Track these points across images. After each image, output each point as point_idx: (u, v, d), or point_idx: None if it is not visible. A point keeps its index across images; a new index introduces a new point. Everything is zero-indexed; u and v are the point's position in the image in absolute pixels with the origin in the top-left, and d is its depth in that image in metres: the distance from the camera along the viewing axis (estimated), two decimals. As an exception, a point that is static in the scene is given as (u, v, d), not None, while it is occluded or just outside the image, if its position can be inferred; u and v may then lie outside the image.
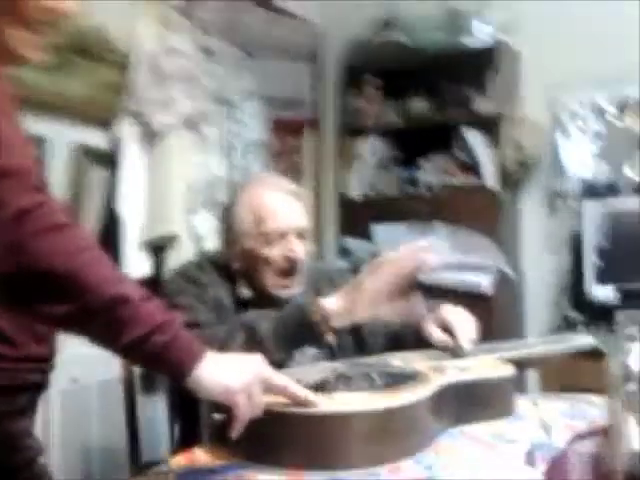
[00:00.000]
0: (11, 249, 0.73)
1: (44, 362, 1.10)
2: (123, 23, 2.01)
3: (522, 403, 1.08)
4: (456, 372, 1.04)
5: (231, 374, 0.81)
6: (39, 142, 1.79)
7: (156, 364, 0.80)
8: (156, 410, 1.91)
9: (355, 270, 2.72)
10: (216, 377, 0.80)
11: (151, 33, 2.05)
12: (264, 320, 1.14)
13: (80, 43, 1.88)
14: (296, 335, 1.13)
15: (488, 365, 1.11)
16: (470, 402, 1.01)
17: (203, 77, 2.07)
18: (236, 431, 0.82)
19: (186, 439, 1.35)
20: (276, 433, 0.86)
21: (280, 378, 0.86)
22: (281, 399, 0.86)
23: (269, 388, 0.85)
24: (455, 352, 1.19)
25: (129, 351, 0.78)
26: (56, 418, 1.82)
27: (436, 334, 1.23)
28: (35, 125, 1.77)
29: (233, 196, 1.37)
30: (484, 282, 2.41)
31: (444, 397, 0.97)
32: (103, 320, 0.76)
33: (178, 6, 2.13)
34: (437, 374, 1.03)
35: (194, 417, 1.21)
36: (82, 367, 1.81)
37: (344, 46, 2.99)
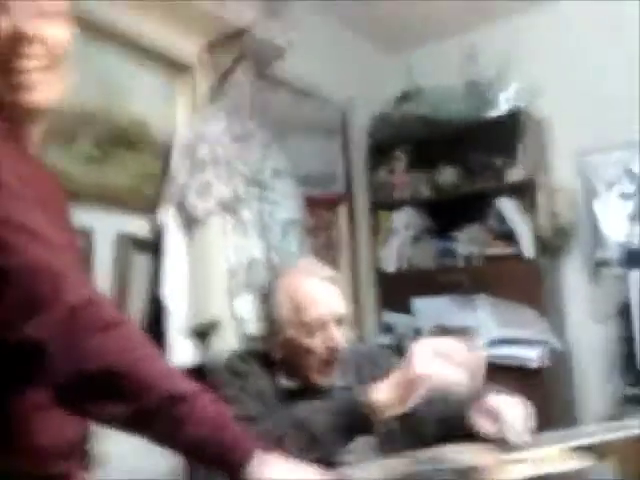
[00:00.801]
0: (66, 350, 0.72)
1: (72, 447, 1.01)
2: (160, 114, 2.10)
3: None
4: (523, 466, 0.99)
5: (285, 476, 0.78)
6: (86, 233, 1.83)
7: (214, 462, 0.77)
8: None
9: (398, 346, 2.70)
10: (268, 477, 0.77)
11: (186, 122, 2.13)
12: (316, 416, 1.11)
13: (121, 136, 1.96)
14: (349, 429, 1.10)
15: (559, 456, 1.05)
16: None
17: (236, 161, 2.12)
18: None
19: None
20: None
21: None
22: None
23: None
24: (504, 444, 1.12)
25: (189, 450, 0.77)
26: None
27: (483, 426, 1.17)
28: (81, 216, 1.81)
29: (271, 286, 1.37)
30: (533, 356, 2.33)
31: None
32: (160, 418, 0.74)
33: (209, 94, 2.21)
34: (502, 468, 0.97)
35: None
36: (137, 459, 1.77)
37: (369, 121, 3.06)
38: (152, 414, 0.74)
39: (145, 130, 2.05)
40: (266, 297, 1.36)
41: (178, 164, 2.01)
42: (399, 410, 1.11)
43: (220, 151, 2.06)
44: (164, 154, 2.07)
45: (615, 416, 1.99)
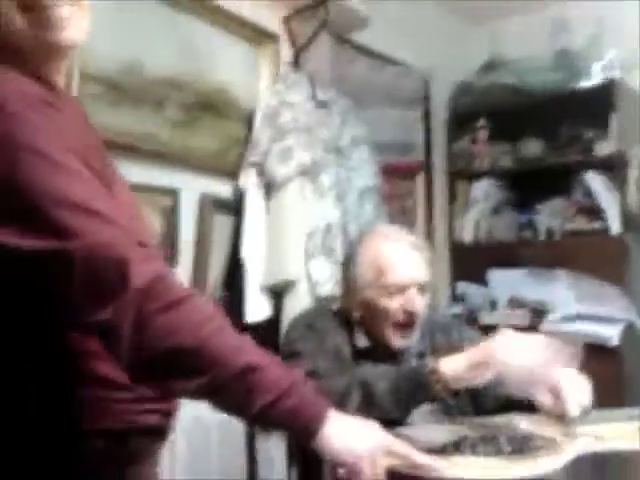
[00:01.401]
0: (136, 330, 0.73)
1: (161, 403, 1.03)
2: (244, 81, 2.16)
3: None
4: (590, 440, 0.99)
5: (358, 439, 0.82)
6: (172, 193, 1.94)
7: (285, 427, 0.81)
8: (275, 449, 1.95)
9: (470, 317, 2.68)
10: (343, 441, 0.81)
11: (270, 89, 2.18)
12: (381, 379, 1.14)
13: (207, 102, 2.04)
14: (412, 397, 1.12)
15: (626, 433, 1.05)
16: (606, 474, 0.96)
17: (317, 128, 2.15)
18: None
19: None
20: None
21: (402, 446, 0.86)
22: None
23: (391, 455, 0.85)
24: (563, 420, 1.11)
25: (260, 417, 0.79)
26: (180, 456, 1.91)
27: (541, 397, 1.16)
28: (168, 178, 1.93)
29: (354, 247, 1.39)
30: (613, 334, 2.26)
31: (578, 467, 0.92)
32: (233, 390, 0.77)
33: (291, 62, 2.25)
34: (569, 440, 0.98)
35: (313, 461, 1.23)
36: (203, 405, 1.90)
37: (452, 89, 3.00)
38: (224, 387, 0.77)
39: (230, 97, 2.11)
40: (348, 258, 1.39)
41: (260, 130, 2.07)
42: (464, 385, 1.12)
43: (302, 118, 2.10)
44: (247, 120, 2.14)
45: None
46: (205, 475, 1.97)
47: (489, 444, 0.95)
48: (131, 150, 1.78)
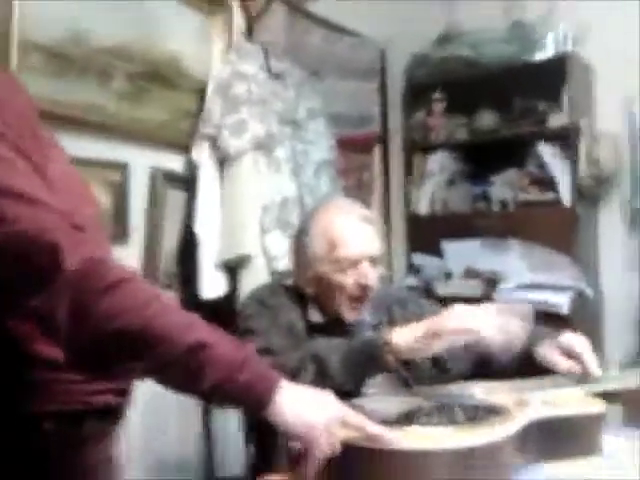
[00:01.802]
0: (74, 317, 0.72)
1: (114, 381, 1.02)
2: (195, 51, 2.09)
3: (614, 441, 1.03)
4: (541, 406, 1.01)
5: (312, 409, 0.81)
6: (121, 167, 1.88)
7: (237, 402, 0.80)
8: (232, 425, 1.94)
9: (426, 288, 2.71)
10: (297, 411, 0.80)
11: (222, 60, 2.12)
12: (334, 352, 1.14)
13: (157, 72, 1.97)
14: (365, 368, 1.13)
15: (576, 399, 1.07)
16: (555, 439, 0.98)
17: (272, 100, 2.11)
18: (311, 468, 0.82)
19: (260, 458, 1.37)
20: (358, 467, 0.86)
21: (355, 416, 0.86)
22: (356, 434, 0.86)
23: (345, 425, 0.84)
24: (583, 379, 1.17)
25: (211, 394, 0.78)
26: (135, 433, 1.88)
27: (562, 362, 1.21)
28: (116, 151, 1.86)
29: (306, 221, 1.38)
30: (563, 302, 2.32)
31: (528, 433, 0.94)
32: (183, 368, 0.76)
33: (245, 32, 2.19)
34: (521, 408, 1.00)
35: (269, 436, 1.23)
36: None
37: (408, 62, 2.99)
38: (172, 366, 0.75)
39: (181, 67, 2.05)
40: (300, 232, 1.38)
41: (213, 102, 2.02)
42: (416, 355, 1.13)
43: (255, 89, 2.05)
44: (199, 92, 2.08)
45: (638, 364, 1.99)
46: (161, 451, 1.96)
47: (443, 414, 0.96)
48: (77, 123, 1.71)
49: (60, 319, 0.71)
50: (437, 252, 2.81)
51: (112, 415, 1.03)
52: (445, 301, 2.33)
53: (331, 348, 1.16)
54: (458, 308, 1.11)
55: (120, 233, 1.86)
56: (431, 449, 0.82)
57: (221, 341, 0.79)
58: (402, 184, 3.01)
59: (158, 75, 1.98)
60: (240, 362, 0.78)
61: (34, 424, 0.85)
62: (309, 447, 0.81)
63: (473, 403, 1.04)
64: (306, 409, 0.81)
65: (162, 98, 1.99)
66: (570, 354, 1.21)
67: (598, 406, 1.04)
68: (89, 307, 0.72)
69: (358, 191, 2.81)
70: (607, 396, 1.18)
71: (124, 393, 1.08)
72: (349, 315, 1.31)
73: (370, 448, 0.83)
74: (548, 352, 1.23)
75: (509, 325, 1.09)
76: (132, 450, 1.88)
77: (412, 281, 2.83)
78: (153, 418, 1.90)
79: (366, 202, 2.85)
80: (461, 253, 2.70)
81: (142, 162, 1.94)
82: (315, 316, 1.33)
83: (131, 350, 0.75)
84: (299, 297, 1.35)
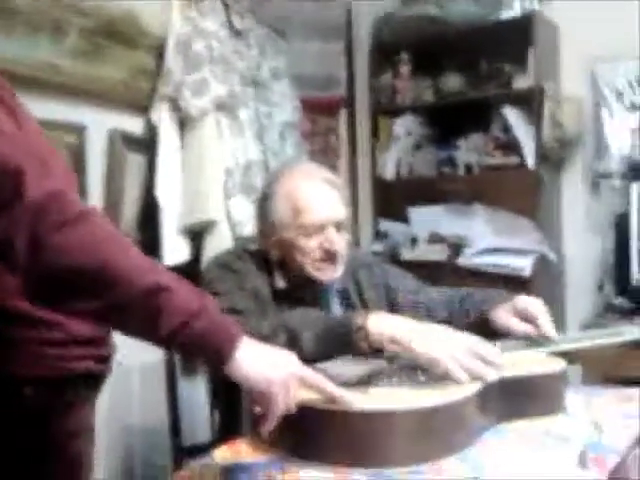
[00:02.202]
0: (31, 248, 0.70)
1: (96, 346, 1.01)
2: (154, 7, 2.01)
3: (572, 399, 1.05)
4: (503, 367, 1.02)
5: (271, 366, 0.80)
6: (77, 129, 1.81)
7: (196, 351, 0.78)
8: (197, 393, 1.94)
9: (392, 254, 2.72)
10: (256, 366, 0.79)
11: (182, 16, 2.03)
12: (308, 328, 1.11)
13: (113, 28, 1.88)
14: (336, 349, 1.10)
15: (536, 360, 1.09)
16: (518, 398, 0.99)
17: (233, 58, 2.04)
18: (269, 425, 0.81)
19: (227, 425, 1.36)
20: (319, 430, 0.85)
21: (315, 377, 0.85)
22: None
23: (304, 385, 0.84)
24: (539, 342, 1.15)
25: (168, 340, 0.76)
26: (100, 403, 1.86)
27: (517, 325, 1.20)
28: (72, 113, 1.79)
29: (269, 186, 1.35)
30: (525, 265, 2.35)
31: (491, 393, 0.95)
32: (139, 311, 0.74)
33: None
34: (486, 370, 1.00)
35: (235, 403, 1.22)
36: (124, 349, 1.85)
37: (374, 22, 2.93)
38: (129, 308, 0.73)
39: (139, 23, 1.96)
40: (263, 197, 1.34)
41: (172, 60, 1.95)
42: (385, 349, 1.11)
43: (217, 47, 1.98)
44: (158, 50, 2.00)
45: (599, 324, 2.04)
46: (126, 420, 1.94)
47: (404, 375, 0.96)
48: (28, 82, 1.62)
49: (18, 248, 0.70)
50: (403, 217, 2.81)
51: (93, 382, 1.03)
52: (411, 265, 2.36)
53: (306, 322, 1.13)
54: (433, 332, 1.04)
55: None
56: (390, 409, 0.82)
57: (180, 287, 0.77)
58: (369, 148, 2.98)
59: (115, 32, 1.89)
60: (199, 309, 0.76)
61: (15, 389, 0.85)
62: (267, 403, 0.80)
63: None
64: (266, 365, 0.80)
65: (120, 56, 1.91)
66: (526, 317, 1.19)
67: (559, 365, 1.05)
68: (46, 239, 0.70)
69: (324, 155, 2.78)
70: (567, 356, 1.20)
71: (105, 360, 1.07)
72: (321, 275, 1.27)
73: (329, 410, 0.82)
74: (503, 316, 1.22)
75: (474, 369, 1.05)
76: (97, 419, 1.86)
77: (379, 247, 2.83)
78: (118, 386, 1.88)
79: (333, 167, 2.82)
80: (426, 218, 2.71)
81: (100, 124, 1.87)
82: (280, 282, 1.31)
83: (87, 288, 0.72)
84: (264, 262, 1.32)
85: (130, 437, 1.96)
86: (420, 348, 0.97)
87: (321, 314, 1.17)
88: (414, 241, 2.74)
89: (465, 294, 1.37)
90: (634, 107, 2.58)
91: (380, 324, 1.04)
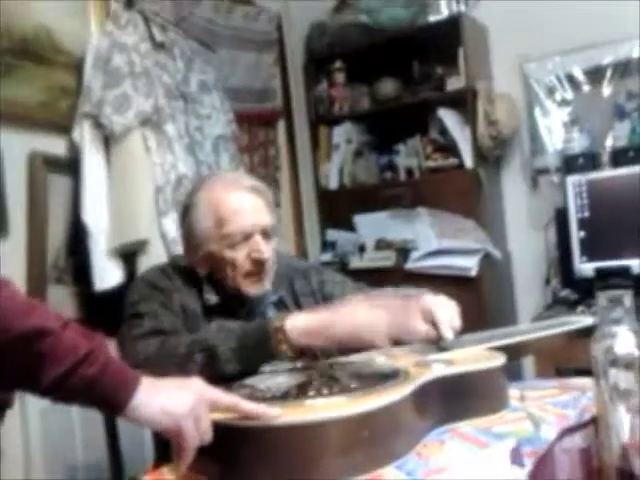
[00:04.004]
0: None
1: None
2: (71, 23, 1.93)
3: (512, 394, 1.02)
4: (441, 366, 0.98)
5: (172, 398, 0.75)
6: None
7: (87, 399, 0.72)
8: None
9: (341, 262, 2.68)
10: (156, 403, 0.73)
11: (100, 31, 1.96)
12: (224, 339, 1.06)
13: (25, 47, 1.80)
14: (257, 356, 1.06)
15: (477, 356, 1.05)
16: (458, 397, 0.94)
17: (157, 71, 1.98)
18: (185, 460, 0.76)
19: (161, 454, 1.29)
20: (241, 449, 0.79)
21: (227, 397, 0.79)
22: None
23: (217, 408, 0.78)
24: (438, 344, 1.12)
25: (55, 390, 0.70)
26: (36, 436, 1.76)
27: (419, 326, 1.15)
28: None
29: (190, 198, 1.30)
30: (471, 265, 2.35)
31: (429, 394, 0.91)
32: (19, 358, 0.68)
33: (124, 1, 2.03)
34: (421, 370, 0.96)
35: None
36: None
37: (306, 31, 2.92)
38: (6, 355, 0.67)
39: (54, 40, 1.88)
40: (185, 209, 1.29)
41: (92, 77, 1.87)
42: (309, 346, 1.07)
43: (137, 60, 1.91)
44: (77, 67, 1.92)
45: (547, 317, 2.04)
46: (67, 454, 1.83)
47: (334, 384, 0.90)
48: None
49: None
50: (349, 225, 2.78)
51: None
52: (360, 273, 2.32)
53: (223, 334, 1.08)
54: (355, 310, 1.05)
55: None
56: (317, 420, 0.77)
57: (66, 330, 0.71)
58: (310, 159, 2.95)
59: (28, 51, 1.81)
60: (87, 353, 0.70)
61: None
62: (178, 439, 0.75)
63: (369, 370, 1.00)
64: (168, 401, 0.74)
65: (36, 75, 1.83)
66: (428, 318, 1.14)
67: (497, 360, 1.02)
68: None
69: (265, 168, 2.73)
70: (519, 350, 1.17)
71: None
72: (249, 289, 1.23)
73: (248, 427, 0.76)
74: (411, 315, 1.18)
75: (404, 328, 1.03)
76: (35, 455, 1.76)
77: (327, 257, 2.80)
78: (55, 422, 1.78)
79: (274, 179, 2.78)
80: (372, 225, 2.70)
81: (18, 146, 1.77)
82: (212, 297, 1.25)
83: None
84: (194, 278, 1.26)
85: (73, 471, 1.85)
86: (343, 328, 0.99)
87: (238, 324, 1.12)
88: (362, 249, 2.72)
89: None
90: (565, 102, 2.63)
91: (296, 322, 1.02)
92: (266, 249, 1.23)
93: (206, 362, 1.03)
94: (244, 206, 1.23)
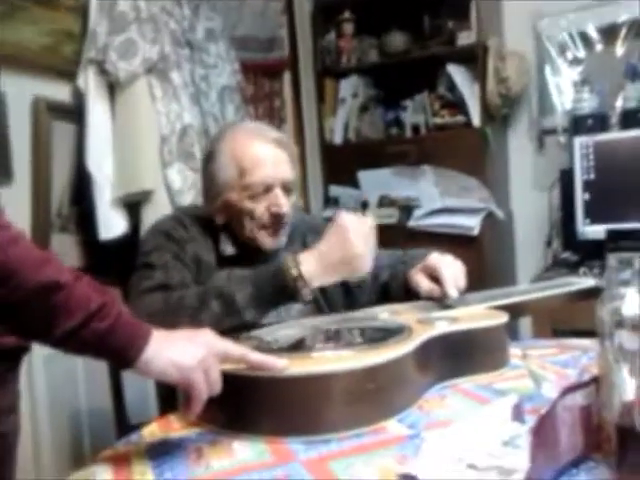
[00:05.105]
0: None
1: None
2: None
3: (513, 352, 1.04)
4: (445, 324, 0.99)
5: (182, 351, 0.75)
6: (-3, 97, 1.68)
7: (98, 352, 0.73)
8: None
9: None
10: (166, 357, 0.74)
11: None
12: (241, 287, 1.07)
13: (30, -13, 1.75)
14: (273, 298, 1.08)
15: (479, 314, 1.06)
16: (461, 354, 0.97)
17: (164, 17, 1.93)
18: (195, 411, 0.77)
19: (167, 401, 1.31)
20: (250, 400, 0.81)
21: (237, 349, 0.80)
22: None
23: (226, 360, 0.79)
24: (443, 301, 1.13)
25: (66, 342, 0.70)
26: (41, 383, 1.79)
27: (424, 284, 1.18)
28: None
29: (213, 145, 1.27)
30: (474, 224, 2.35)
31: (431, 351, 0.93)
32: (33, 310, 0.68)
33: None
34: (425, 327, 0.98)
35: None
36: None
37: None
38: (20, 307, 0.68)
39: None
40: (208, 157, 1.27)
41: (97, 22, 1.82)
42: (326, 281, 1.09)
43: (143, 6, 1.87)
44: (81, 11, 1.87)
45: (546, 278, 2.05)
46: (71, 399, 1.87)
47: (340, 338, 0.92)
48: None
49: None
50: (353, 181, 2.77)
51: (16, 356, 0.97)
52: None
53: (236, 282, 1.08)
54: (352, 228, 1.07)
55: (2, 173, 1.69)
56: (323, 372, 0.78)
57: (78, 283, 0.71)
58: (315, 112, 2.91)
59: (34, -8, 1.76)
60: (99, 308, 0.71)
61: None
62: (189, 391, 0.76)
63: (374, 325, 1.01)
64: (177, 353, 0.75)
65: (40, 18, 1.78)
66: (434, 276, 1.17)
67: (500, 318, 1.03)
68: None
69: (269, 119, 2.69)
70: (519, 309, 1.18)
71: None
72: (266, 243, 1.23)
73: (257, 377, 0.78)
74: (415, 275, 1.21)
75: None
76: (40, 401, 1.79)
77: (330, 213, 2.79)
78: (59, 368, 1.81)
79: (279, 131, 2.74)
80: (376, 182, 2.67)
81: (22, 91, 1.75)
82: (227, 248, 1.25)
83: None
84: (210, 228, 1.25)
85: (76, 417, 1.89)
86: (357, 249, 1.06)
87: (248, 271, 1.12)
88: (365, 205, 2.71)
89: (402, 256, 1.35)
90: (576, 61, 2.58)
91: (310, 266, 1.06)
92: (285, 203, 1.21)
93: (222, 310, 1.04)
94: (267, 157, 1.21)
